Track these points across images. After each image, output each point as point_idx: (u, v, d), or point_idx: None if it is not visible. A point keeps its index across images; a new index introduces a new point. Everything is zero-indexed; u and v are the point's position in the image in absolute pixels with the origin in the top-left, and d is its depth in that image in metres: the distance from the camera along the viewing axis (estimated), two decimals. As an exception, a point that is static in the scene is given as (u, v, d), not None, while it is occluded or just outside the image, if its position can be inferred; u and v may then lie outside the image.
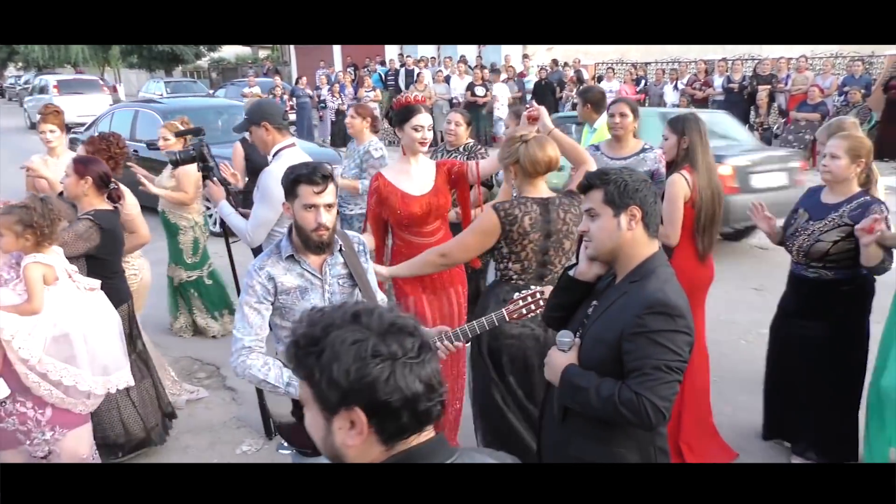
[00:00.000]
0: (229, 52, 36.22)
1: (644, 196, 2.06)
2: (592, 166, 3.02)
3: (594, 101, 5.13)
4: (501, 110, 15.06)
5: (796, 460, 3.60)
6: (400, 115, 3.57)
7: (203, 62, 35.32)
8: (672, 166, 3.64)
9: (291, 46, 27.45)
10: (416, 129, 3.52)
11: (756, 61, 14.42)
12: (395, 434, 1.16)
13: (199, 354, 5.28)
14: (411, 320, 1.20)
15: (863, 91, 12.00)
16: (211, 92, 22.51)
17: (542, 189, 2.95)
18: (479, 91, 15.87)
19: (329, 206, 2.51)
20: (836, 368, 3.39)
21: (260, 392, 2.71)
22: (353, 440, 1.15)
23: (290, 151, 3.73)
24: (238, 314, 2.57)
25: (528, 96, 15.94)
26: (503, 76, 16.34)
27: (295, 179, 2.50)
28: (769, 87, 13.41)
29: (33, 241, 3.11)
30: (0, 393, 3.01)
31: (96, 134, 4.70)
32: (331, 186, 2.51)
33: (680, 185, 3.46)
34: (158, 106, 10.70)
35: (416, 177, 3.57)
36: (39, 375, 3.04)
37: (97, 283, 3.38)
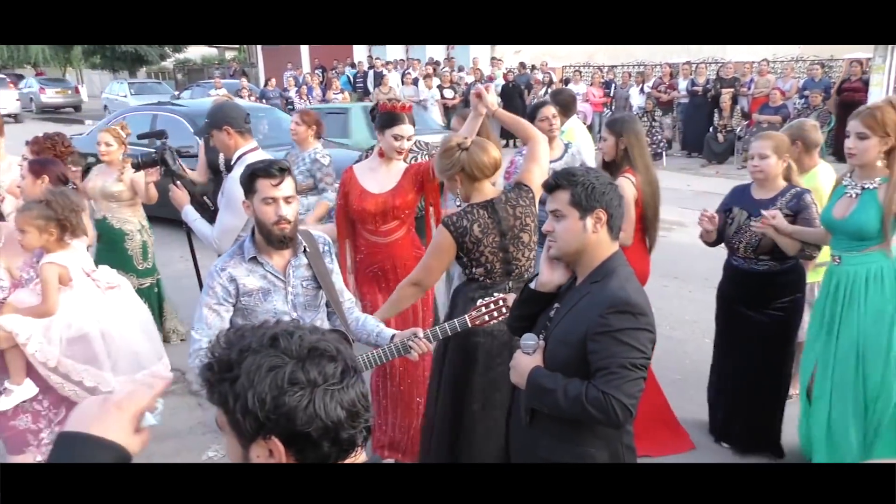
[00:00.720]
0: (195, 53, 35.79)
1: (610, 199, 2.08)
2: (540, 142, 3.07)
3: (564, 103, 5.15)
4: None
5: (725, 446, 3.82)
6: (384, 119, 3.58)
7: (168, 63, 34.85)
8: (611, 166, 3.77)
9: (258, 47, 27.19)
10: (395, 138, 3.54)
11: (719, 65, 14.67)
12: (319, 461, 1.10)
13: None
14: (333, 343, 1.14)
15: (822, 94, 12.28)
16: (176, 94, 22.19)
17: (487, 191, 2.92)
18: (448, 94, 15.90)
19: (288, 198, 2.50)
20: (777, 352, 3.65)
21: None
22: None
23: (254, 156, 3.63)
24: (197, 315, 2.54)
25: (497, 99, 15.99)
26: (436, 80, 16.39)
27: (252, 174, 2.50)
28: (732, 90, 13.63)
29: (57, 235, 3.10)
30: (27, 392, 3.05)
31: (41, 134, 4.57)
32: (288, 179, 2.51)
33: (628, 188, 3.60)
34: (182, 109, 9.34)
35: (381, 176, 3.60)
36: (61, 377, 3.05)
37: (120, 280, 3.36)
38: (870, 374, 3.21)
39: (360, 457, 1.16)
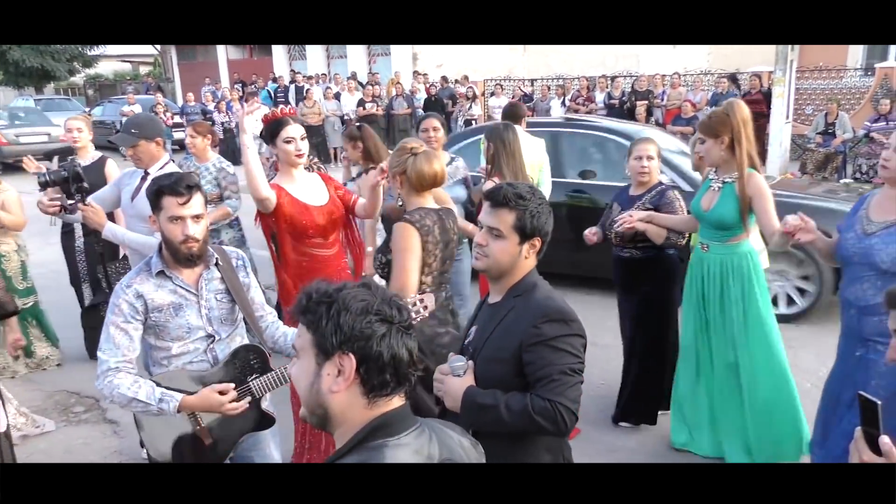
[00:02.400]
0: (106, 68, 34.50)
1: (549, 229, 2.10)
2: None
3: (520, 115, 5.23)
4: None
5: (624, 425, 4.18)
6: (270, 130, 3.47)
7: (78, 79, 33.43)
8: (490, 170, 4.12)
9: (175, 62, 26.50)
10: (287, 142, 3.43)
11: (634, 78, 15.17)
12: (376, 388, 1.27)
13: (76, 387, 4.94)
14: (406, 303, 1.38)
15: (730, 106, 12.85)
16: (87, 110, 21.32)
17: (429, 202, 2.95)
18: (370, 107, 15.86)
19: (197, 216, 2.42)
20: (646, 335, 4.04)
21: (137, 421, 2.55)
22: (338, 386, 1.26)
23: (171, 167, 3.70)
24: (103, 335, 2.41)
25: (420, 111, 16.09)
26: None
27: (158, 191, 2.40)
28: (647, 102, 14.13)
29: None
30: None
31: None
32: (197, 197, 2.42)
33: None
34: None
35: (307, 188, 3.51)
36: None
37: None
38: (736, 355, 3.59)
39: (401, 402, 1.32)
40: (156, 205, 2.42)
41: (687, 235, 3.94)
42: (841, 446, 2.67)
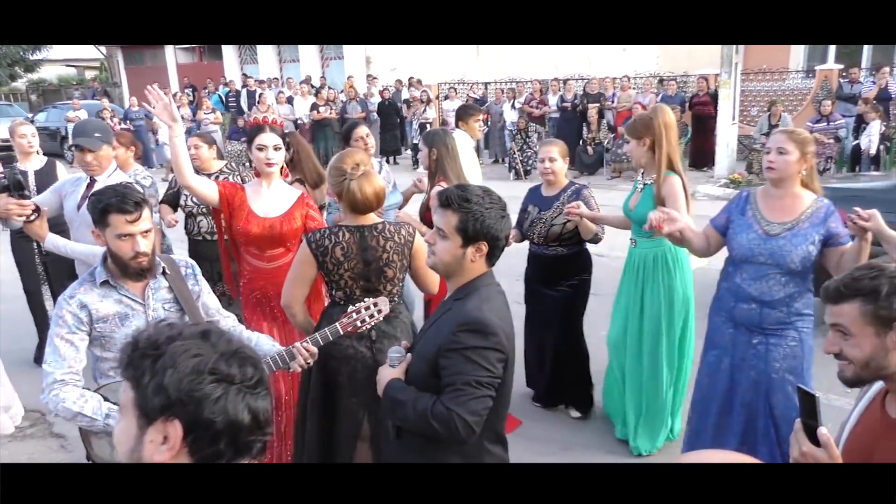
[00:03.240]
0: (50, 72, 33.52)
1: (496, 233, 2.06)
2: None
3: (468, 117, 5.29)
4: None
5: (574, 414, 4.38)
6: (249, 135, 3.51)
7: (20, 84, 32.42)
8: (431, 175, 4.16)
9: (122, 66, 25.89)
10: (259, 149, 3.43)
11: (585, 81, 15.38)
12: (208, 458, 1.11)
13: (21, 401, 4.76)
14: (256, 356, 1.19)
15: (679, 108, 13.15)
16: (30, 116, 20.68)
17: (361, 218, 2.85)
18: (324, 111, 15.74)
19: (146, 232, 2.36)
20: (575, 323, 4.29)
21: (84, 436, 2.47)
22: (161, 456, 1.10)
23: (118, 175, 3.70)
24: (48, 348, 2.35)
25: (374, 115, 16.03)
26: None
27: (104, 209, 2.32)
28: (598, 104, 14.34)
29: None
30: None
31: None
32: (145, 212, 2.36)
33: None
34: None
35: (267, 199, 3.48)
36: None
37: None
38: (659, 343, 3.83)
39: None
40: (101, 221, 2.35)
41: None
42: (740, 423, 3.10)
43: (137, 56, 25.58)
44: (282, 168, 3.59)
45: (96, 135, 3.64)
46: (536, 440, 4.06)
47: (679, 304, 3.79)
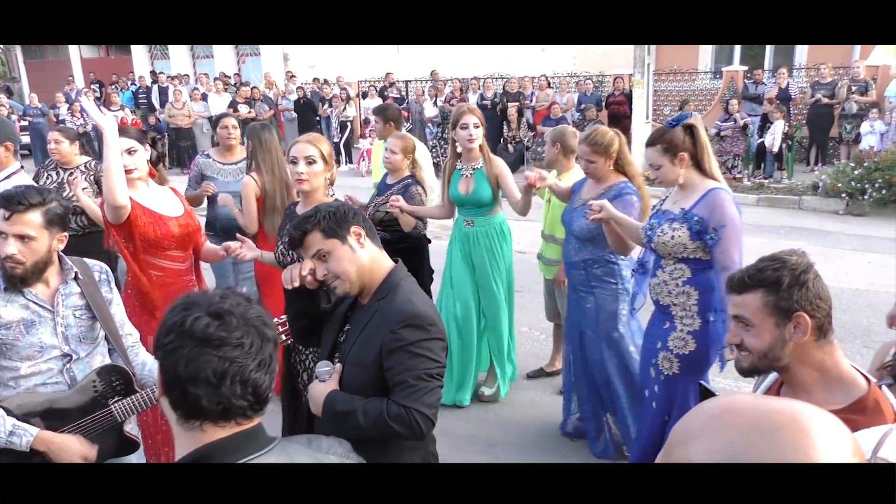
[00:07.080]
0: (-59, 66, 31.37)
1: (354, 215, 2.10)
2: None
3: (394, 118, 5.37)
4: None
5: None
6: None
7: None
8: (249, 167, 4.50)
9: (20, 61, 24.48)
10: (127, 153, 3.24)
11: (505, 80, 15.56)
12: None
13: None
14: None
15: (596, 107, 13.49)
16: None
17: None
18: (243, 109, 15.32)
19: (22, 237, 2.20)
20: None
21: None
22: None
23: (20, 177, 3.48)
24: None
25: (289, 113, 15.73)
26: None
27: None
28: (518, 103, 14.53)
29: None
30: None
31: None
32: (29, 216, 2.20)
33: (250, 186, 4.33)
34: None
35: (160, 200, 3.33)
36: None
37: None
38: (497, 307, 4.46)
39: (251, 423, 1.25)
40: None
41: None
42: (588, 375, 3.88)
43: (38, 51, 24.24)
44: (149, 170, 3.42)
45: None
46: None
47: (508, 271, 4.45)
